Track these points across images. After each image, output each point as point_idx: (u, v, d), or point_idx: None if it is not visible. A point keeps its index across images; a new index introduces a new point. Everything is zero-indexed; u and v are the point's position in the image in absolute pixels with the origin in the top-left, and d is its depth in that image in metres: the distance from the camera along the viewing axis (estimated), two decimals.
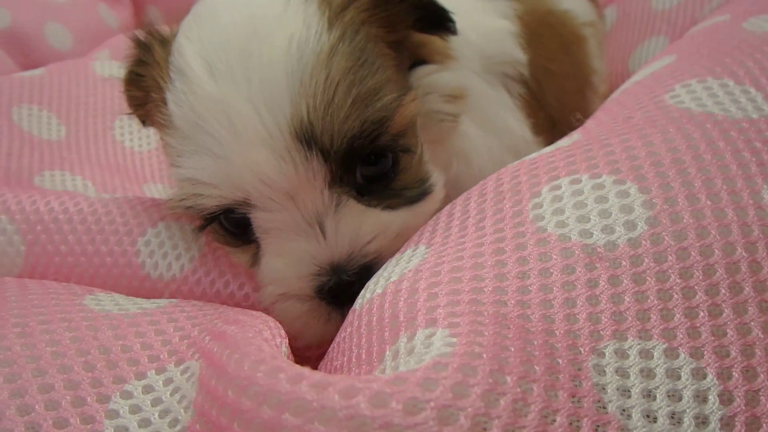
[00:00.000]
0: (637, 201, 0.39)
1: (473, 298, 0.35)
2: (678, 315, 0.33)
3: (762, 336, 0.32)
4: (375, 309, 0.40)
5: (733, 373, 0.31)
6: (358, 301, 0.45)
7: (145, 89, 0.59)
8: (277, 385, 0.29)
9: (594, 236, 0.37)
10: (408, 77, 0.60)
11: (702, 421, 0.29)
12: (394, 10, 0.56)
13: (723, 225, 0.36)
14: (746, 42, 0.54)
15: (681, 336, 0.32)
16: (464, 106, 0.64)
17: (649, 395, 0.30)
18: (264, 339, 0.39)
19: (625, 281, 0.35)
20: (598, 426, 0.28)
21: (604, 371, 0.31)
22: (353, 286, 0.49)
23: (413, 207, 0.55)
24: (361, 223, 0.51)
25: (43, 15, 1.34)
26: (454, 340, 0.31)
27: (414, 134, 0.56)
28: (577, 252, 0.37)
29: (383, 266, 0.48)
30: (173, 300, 0.53)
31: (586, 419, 0.28)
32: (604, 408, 0.29)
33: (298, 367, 0.31)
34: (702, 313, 0.33)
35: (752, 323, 0.33)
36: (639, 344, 0.32)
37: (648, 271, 0.35)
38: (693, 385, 0.31)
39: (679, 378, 0.31)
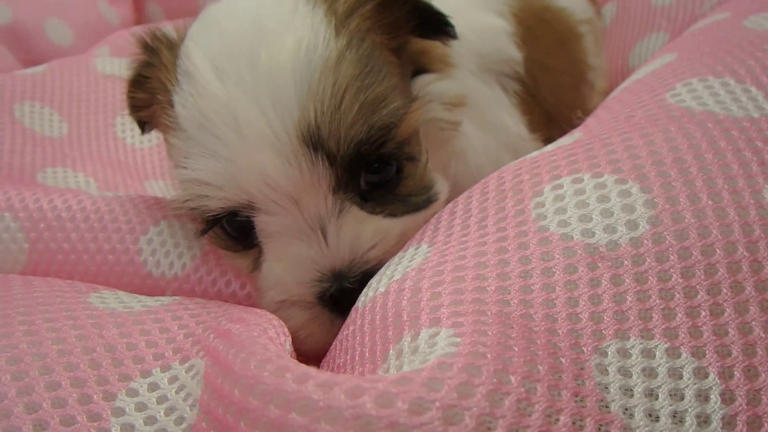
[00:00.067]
0: (639, 200, 0.39)
1: (476, 298, 0.35)
2: (680, 314, 0.33)
3: (763, 335, 0.32)
4: (378, 308, 0.40)
5: (735, 373, 0.31)
6: (361, 299, 0.45)
7: (150, 91, 0.59)
8: (284, 384, 0.29)
9: (596, 236, 0.38)
10: (411, 86, 0.60)
11: (704, 420, 0.30)
12: (395, 16, 0.56)
13: (724, 224, 0.37)
14: (747, 40, 0.54)
15: (683, 335, 0.33)
16: (464, 112, 0.64)
17: (651, 394, 0.30)
18: (269, 338, 0.39)
19: (627, 280, 0.35)
20: (601, 425, 0.29)
21: (607, 370, 0.31)
22: (354, 293, 0.49)
23: (416, 214, 0.55)
24: (362, 230, 0.51)
25: (43, 11, 1.34)
26: (458, 339, 0.31)
27: (418, 142, 0.57)
28: (579, 251, 0.37)
29: (386, 265, 0.48)
30: (177, 297, 0.53)
31: (589, 418, 0.29)
32: (607, 407, 0.30)
33: (304, 366, 0.31)
34: (704, 313, 0.33)
35: (753, 322, 0.33)
36: (641, 343, 0.32)
37: (650, 270, 0.35)
38: (695, 384, 0.31)
39: (681, 377, 0.31)
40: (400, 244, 0.51)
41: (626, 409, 0.30)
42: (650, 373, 0.31)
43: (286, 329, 0.44)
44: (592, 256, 0.36)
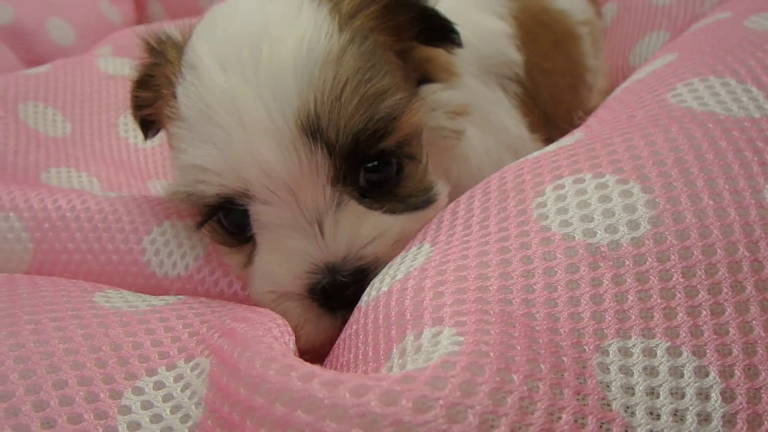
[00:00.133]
0: (640, 200, 0.39)
1: (479, 297, 0.36)
2: (681, 313, 0.34)
3: (763, 334, 0.33)
4: (381, 307, 0.40)
5: (735, 371, 0.32)
6: (364, 298, 0.45)
7: (155, 89, 0.60)
8: (289, 382, 0.30)
9: (597, 235, 0.38)
10: (416, 92, 0.60)
11: (704, 418, 0.30)
12: (400, 19, 0.57)
13: (725, 224, 0.37)
14: (747, 40, 0.54)
15: (684, 334, 0.33)
16: (467, 120, 0.65)
17: (652, 393, 0.31)
18: (274, 337, 0.39)
19: (629, 280, 0.35)
20: (602, 423, 0.29)
21: (609, 369, 0.32)
22: (347, 288, 0.49)
23: (415, 213, 0.55)
24: (360, 225, 0.51)
25: (45, 10, 1.34)
26: (461, 338, 0.32)
27: (420, 144, 0.57)
28: (580, 251, 0.37)
29: (388, 264, 0.48)
30: (181, 297, 0.53)
31: (591, 417, 0.29)
32: (609, 405, 0.30)
33: (308, 365, 0.31)
34: (704, 312, 0.34)
35: (754, 322, 0.33)
36: (642, 342, 0.33)
37: (651, 270, 0.35)
38: (695, 382, 0.31)
39: (682, 376, 0.31)
40: (397, 243, 0.51)
41: (627, 408, 0.30)
42: (651, 371, 0.31)
43: (290, 328, 0.45)
44: (594, 255, 0.37)
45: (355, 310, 0.45)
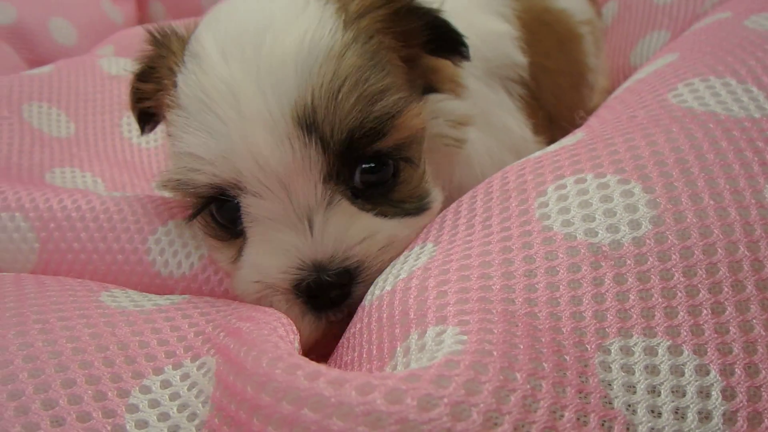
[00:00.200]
0: (642, 200, 0.39)
1: (482, 296, 0.36)
2: (682, 313, 0.34)
3: (764, 333, 0.33)
4: (385, 306, 0.41)
5: (736, 370, 0.32)
6: (367, 297, 0.45)
7: (156, 81, 0.60)
8: (296, 381, 0.30)
9: (599, 235, 0.38)
10: (420, 98, 0.60)
11: (705, 416, 0.30)
12: (410, 26, 0.57)
13: (726, 224, 0.37)
14: (748, 40, 0.55)
15: (685, 333, 0.33)
16: (469, 129, 0.65)
17: (653, 391, 0.31)
18: (279, 336, 0.40)
19: (630, 279, 0.36)
20: (604, 421, 0.29)
21: (610, 368, 0.32)
22: (332, 288, 0.49)
23: (406, 219, 0.54)
24: (350, 225, 0.51)
25: (47, 10, 1.35)
26: (465, 337, 0.32)
27: (419, 150, 0.56)
28: (582, 250, 0.38)
29: (392, 264, 0.48)
30: (186, 296, 0.54)
31: (593, 415, 0.29)
32: (611, 404, 0.30)
33: (314, 363, 0.32)
34: (705, 311, 0.34)
35: (754, 321, 0.34)
36: (644, 341, 0.33)
37: (652, 269, 0.36)
38: (696, 381, 0.31)
39: (683, 374, 0.32)
40: (385, 248, 0.51)
41: (629, 406, 0.30)
42: (653, 370, 0.32)
43: (294, 327, 0.45)
44: (596, 255, 0.37)
45: (359, 309, 0.46)
